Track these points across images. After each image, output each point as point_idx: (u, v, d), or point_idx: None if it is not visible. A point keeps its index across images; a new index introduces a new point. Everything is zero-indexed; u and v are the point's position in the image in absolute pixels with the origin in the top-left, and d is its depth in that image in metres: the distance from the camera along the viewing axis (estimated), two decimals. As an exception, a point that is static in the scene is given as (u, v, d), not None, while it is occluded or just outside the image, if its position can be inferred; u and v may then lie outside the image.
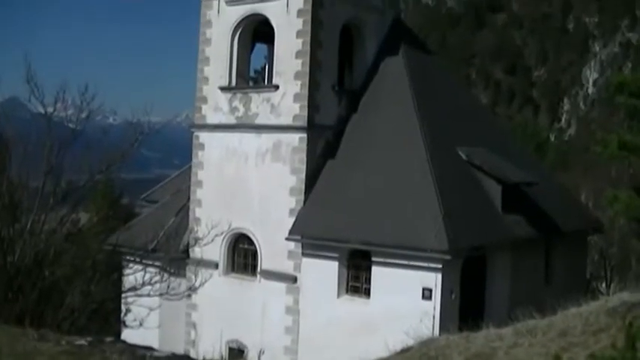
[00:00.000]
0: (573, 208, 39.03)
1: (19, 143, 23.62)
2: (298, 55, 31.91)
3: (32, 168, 23.56)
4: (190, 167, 35.95)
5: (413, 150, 30.62)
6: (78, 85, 23.79)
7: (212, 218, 32.07)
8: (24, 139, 23.87)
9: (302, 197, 31.44)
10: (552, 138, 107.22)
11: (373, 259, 29.14)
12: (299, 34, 31.99)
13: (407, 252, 27.98)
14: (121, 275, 30.52)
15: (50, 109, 23.45)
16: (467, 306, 28.59)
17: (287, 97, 32.08)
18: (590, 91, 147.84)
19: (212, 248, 31.26)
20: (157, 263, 30.17)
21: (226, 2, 34.28)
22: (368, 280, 29.68)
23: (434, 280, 27.69)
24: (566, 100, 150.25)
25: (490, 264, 30.69)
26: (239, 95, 33.78)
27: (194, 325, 34.72)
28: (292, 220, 31.29)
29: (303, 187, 31.46)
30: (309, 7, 31.80)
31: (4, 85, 23.30)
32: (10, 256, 21.74)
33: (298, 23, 32.06)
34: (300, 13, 32.05)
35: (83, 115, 23.67)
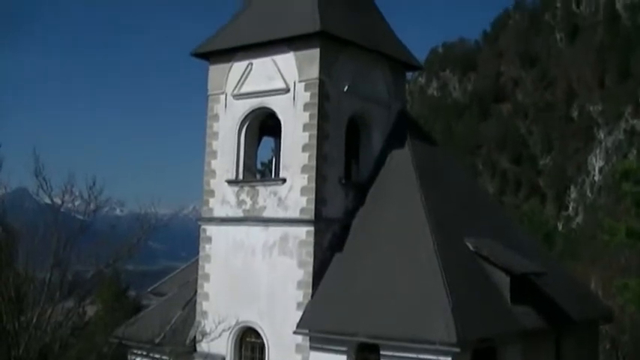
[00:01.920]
0: (583, 297, 38.69)
1: (26, 235, 23.72)
2: (305, 148, 32.08)
3: (39, 260, 23.62)
4: (197, 260, 35.88)
5: (420, 242, 30.53)
6: (86, 178, 23.96)
7: (219, 312, 31.97)
8: (31, 231, 23.98)
9: (310, 290, 31.24)
10: (560, 226, 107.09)
11: (382, 352, 28.81)
12: (305, 127, 32.21)
13: (416, 345, 27.64)
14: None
15: (58, 202, 23.59)
16: (476, 400, 28.25)
17: (294, 190, 32.16)
18: (596, 178, 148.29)
19: (219, 342, 31.09)
20: (164, 357, 30.04)
21: (233, 96, 34.63)
22: (379, 373, 29.36)
23: (443, 372, 27.40)
24: (572, 188, 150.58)
25: (500, 356, 30.34)
26: (246, 188, 33.87)
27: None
28: (300, 313, 31.04)
29: (311, 280, 31.27)
30: (316, 100, 32.08)
31: (12, 176, 23.42)
32: (14, 350, 21.67)
33: (305, 117, 32.31)
34: (306, 106, 32.33)
35: (91, 208, 23.78)
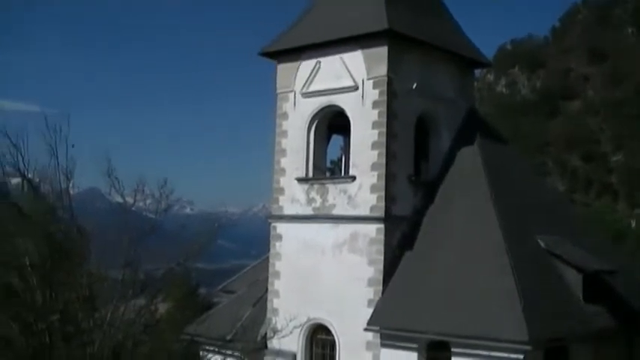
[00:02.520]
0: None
1: (98, 234, 24.03)
2: (374, 146, 32.05)
3: (111, 259, 23.93)
4: (267, 258, 36.05)
5: (490, 240, 30.33)
6: (157, 178, 24.23)
7: (290, 309, 32.10)
8: (103, 231, 24.30)
9: (380, 288, 31.21)
10: (633, 224, 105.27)
11: (452, 349, 28.67)
12: (374, 125, 32.16)
13: (487, 343, 27.48)
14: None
15: (130, 201, 23.87)
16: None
17: (364, 188, 32.15)
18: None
19: (290, 339, 31.22)
20: (235, 354, 30.20)
21: (302, 95, 34.71)
22: (447, 372, 29.22)
23: (515, 371, 27.16)
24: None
25: (572, 355, 29.97)
26: (316, 186, 33.96)
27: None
28: (370, 310, 31.01)
29: (381, 277, 31.25)
30: (384, 98, 32.04)
31: (84, 176, 23.76)
32: (89, 347, 21.95)
33: (373, 114, 32.27)
34: (375, 104, 32.29)
35: (162, 207, 24.03)
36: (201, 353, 31.38)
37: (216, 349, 30.15)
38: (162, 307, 28.13)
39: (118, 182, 23.54)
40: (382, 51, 32.38)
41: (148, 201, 25.01)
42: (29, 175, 22.22)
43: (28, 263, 21.57)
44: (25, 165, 21.93)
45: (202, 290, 49.13)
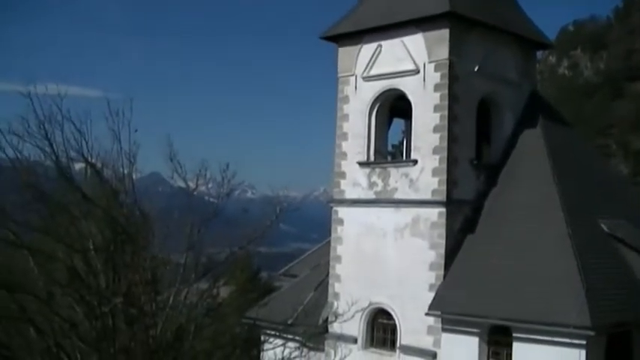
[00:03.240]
0: None
1: (161, 218, 24.17)
2: (436, 129, 31.86)
3: (173, 243, 24.06)
4: (329, 242, 36.08)
5: (553, 224, 29.99)
6: (219, 162, 24.25)
7: (351, 293, 32.09)
8: (165, 215, 24.44)
9: (442, 272, 31.09)
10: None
11: (514, 334, 28.48)
12: (436, 108, 31.97)
13: (549, 328, 27.21)
14: (259, 350, 30.66)
15: (192, 185, 23.94)
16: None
17: (425, 171, 31.99)
18: None
19: (351, 323, 31.19)
20: (297, 338, 30.24)
21: (363, 78, 34.62)
22: (509, 357, 28.96)
23: (578, 356, 26.77)
24: None
25: (635, 341, 29.57)
26: (377, 170, 33.86)
27: (334, 401, 34.47)
28: (432, 295, 30.92)
29: (443, 262, 31.13)
30: (446, 81, 31.83)
31: (146, 161, 23.90)
32: (152, 330, 22.09)
33: (435, 98, 32.08)
34: (436, 87, 32.09)
35: (224, 191, 24.07)
36: (262, 337, 31.45)
37: (278, 333, 30.19)
38: (225, 291, 28.25)
39: (181, 166, 23.61)
40: (443, 33, 32.16)
41: (210, 185, 25.08)
42: (93, 160, 22.36)
43: (92, 247, 21.74)
44: (88, 150, 22.07)
45: (264, 274, 49.35)
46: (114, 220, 21.92)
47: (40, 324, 21.43)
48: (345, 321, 29.60)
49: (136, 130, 22.36)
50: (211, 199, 25.28)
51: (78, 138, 21.84)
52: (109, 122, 22.07)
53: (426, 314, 30.79)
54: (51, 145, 21.67)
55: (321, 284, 35.75)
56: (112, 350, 21.56)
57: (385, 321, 33.36)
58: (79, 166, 23.26)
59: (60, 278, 21.99)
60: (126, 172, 22.99)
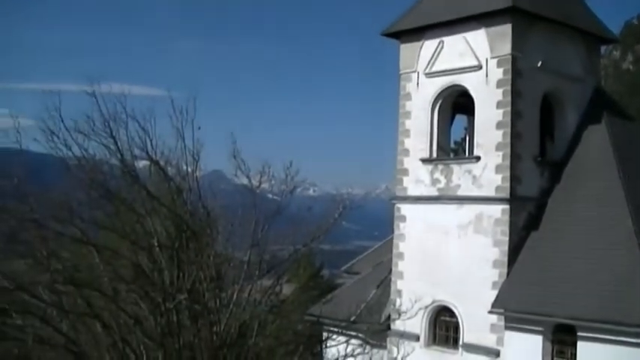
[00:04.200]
0: None
1: (224, 216, 24.34)
2: (499, 125, 31.60)
3: (237, 240, 24.21)
4: (391, 239, 36.00)
5: (619, 221, 29.55)
6: (282, 159, 24.37)
7: (414, 290, 32.04)
8: (229, 212, 24.59)
9: (505, 270, 30.83)
10: None
11: (579, 334, 28.15)
12: (499, 104, 31.71)
13: (614, 327, 26.83)
14: (321, 347, 30.71)
15: (255, 183, 24.07)
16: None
17: (488, 168, 31.75)
18: None
19: (413, 320, 31.08)
20: (360, 335, 30.25)
21: (425, 75, 34.47)
22: (574, 356, 28.64)
23: (645, 356, 26.50)
24: None
25: None
26: (440, 167, 33.70)
27: (396, 399, 34.39)
28: (495, 292, 30.68)
29: (506, 259, 30.86)
30: (509, 77, 31.55)
31: (209, 158, 24.03)
32: (216, 326, 22.24)
33: (498, 94, 31.82)
34: (499, 83, 31.82)
35: (287, 189, 24.18)
36: (324, 334, 31.52)
37: (340, 331, 30.21)
38: (287, 289, 28.28)
39: (244, 164, 23.76)
40: (506, 29, 31.88)
41: (272, 182, 25.20)
42: (157, 158, 22.59)
43: (156, 244, 21.96)
44: (153, 148, 22.32)
45: (326, 271, 49.43)
46: (178, 218, 22.13)
47: (106, 320, 21.71)
48: (407, 318, 29.55)
49: (199, 128, 22.57)
50: (273, 197, 25.42)
51: (142, 136, 22.14)
52: (173, 120, 22.30)
53: (489, 312, 30.56)
54: (116, 143, 21.98)
55: (384, 282, 35.69)
56: (176, 346, 21.76)
57: (448, 318, 33.20)
58: (142, 163, 23.53)
59: (125, 275, 22.25)
60: (189, 169, 23.20)
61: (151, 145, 22.24)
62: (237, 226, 24.03)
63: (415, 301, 29.60)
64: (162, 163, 22.82)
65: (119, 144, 21.95)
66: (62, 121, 21.53)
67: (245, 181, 24.13)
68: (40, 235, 21.69)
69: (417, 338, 33.34)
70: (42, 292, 21.88)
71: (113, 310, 21.84)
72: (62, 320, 22.17)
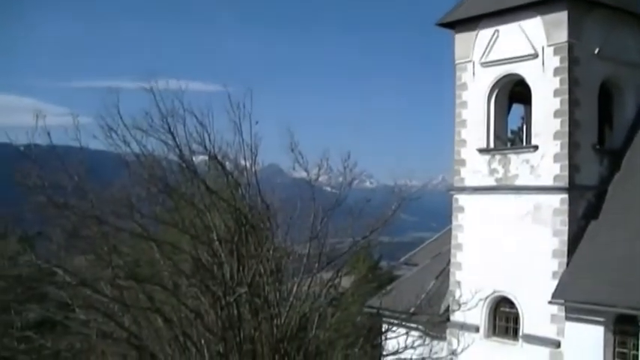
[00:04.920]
0: None
1: (283, 209, 24.42)
2: (556, 114, 31.29)
3: (296, 233, 24.29)
4: (449, 230, 35.87)
5: (681, 209, 29.20)
6: (339, 152, 24.38)
7: (472, 281, 31.87)
8: (286, 205, 24.68)
9: (565, 260, 30.54)
10: None
11: (641, 324, 27.85)
12: (556, 92, 31.39)
13: (678, 316, 26.55)
14: (381, 339, 30.68)
15: (313, 176, 24.10)
16: None
17: (546, 157, 31.45)
18: None
19: (473, 311, 30.88)
20: (420, 327, 30.18)
21: (481, 64, 34.25)
22: (636, 347, 28.27)
23: None
24: None
25: None
26: (497, 157, 33.47)
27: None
28: (555, 283, 30.40)
29: (566, 249, 30.56)
30: (566, 65, 31.21)
31: (266, 153, 24.11)
32: (276, 319, 22.32)
33: (555, 82, 31.49)
34: (556, 71, 31.50)
35: (346, 181, 24.20)
36: (384, 326, 31.49)
37: (399, 322, 30.16)
38: (345, 281, 28.30)
39: (302, 157, 23.80)
40: (562, 16, 31.52)
41: (329, 175, 25.24)
42: (215, 152, 22.72)
43: (216, 238, 22.09)
44: (211, 142, 22.46)
45: (384, 263, 49.38)
46: (237, 212, 22.22)
47: (168, 314, 21.89)
48: (467, 310, 29.41)
49: (257, 122, 22.64)
50: (330, 189, 25.45)
51: (200, 131, 22.26)
52: (230, 115, 22.39)
53: (549, 303, 30.28)
54: (174, 138, 22.12)
55: (442, 273, 35.60)
56: (237, 340, 21.87)
57: (507, 309, 32.98)
58: (200, 158, 23.70)
59: (185, 269, 22.42)
60: (247, 163, 23.30)
61: (209, 139, 22.40)
62: (295, 220, 24.11)
63: (475, 292, 29.45)
64: (220, 157, 22.95)
65: (177, 139, 22.12)
66: (121, 118, 21.82)
67: (303, 174, 24.18)
68: (100, 231, 21.94)
69: (476, 329, 33.17)
70: (104, 288, 22.14)
71: (174, 304, 22.02)
72: (124, 315, 22.43)
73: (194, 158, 23.27)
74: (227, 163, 23.36)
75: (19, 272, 22.57)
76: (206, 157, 23.77)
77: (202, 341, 22.03)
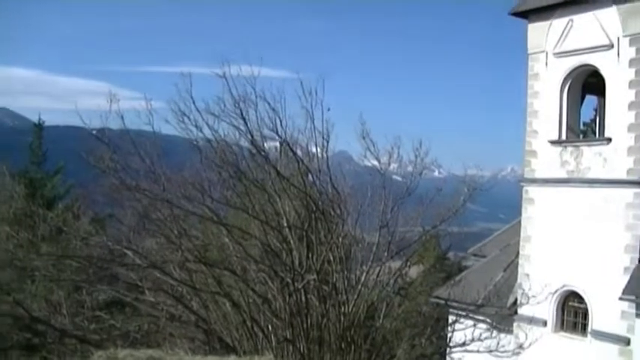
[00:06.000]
0: None
1: (353, 196, 24.39)
2: (631, 106, 30.64)
3: (366, 221, 24.26)
4: (518, 222, 35.44)
5: None
6: (412, 140, 24.27)
7: (541, 274, 31.46)
8: (356, 193, 24.65)
9: (637, 255, 29.86)
10: None
11: None
12: (631, 84, 30.74)
13: None
14: (446, 330, 30.51)
15: (385, 164, 24.03)
16: None
17: (620, 150, 30.83)
18: None
19: (541, 305, 30.57)
20: (487, 320, 29.92)
21: (554, 54, 33.73)
22: None
23: None
24: None
25: None
26: (570, 149, 32.93)
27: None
28: (626, 279, 29.78)
29: (638, 244, 29.93)
30: (642, 55, 30.64)
31: (337, 140, 24.10)
32: (344, 306, 22.32)
33: (630, 73, 30.84)
34: (631, 62, 30.85)
35: (417, 170, 24.08)
36: (450, 317, 31.31)
37: (466, 314, 29.98)
38: (414, 271, 28.23)
39: (373, 145, 23.75)
40: (638, 6, 30.87)
41: (400, 164, 25.18)
42: (286, 138, 22.77)
43: (286, 224, 22.12)
44: (282, 128, 22.52)
45: (451, 254, 49.13)
46: (308, 198, 22.22)
47: (236, 299, 22.01)
48: (536, 303, 29.08)
49: (329, 109, 22.63)
50: (399, 178, 25.35)
51: (272, 117, 22.30)
52: (302, 101, 22.40)
53: (620, 299, 29.74)
54: (246, 123, 22.19)
55: (511, 265, 35.20)
56: (304, 326, 21.91)
57: (576, 304, 32.46)
58: (273, 144, 23.76)
59: (254, 254, 22.49)
60: (319, 150, 23.30)
61: (281, 125, 22.45)
62: (366, 207, 24.07)
63: (545, 286, 29.10)
64: (292, 143, 22.99)
65: (249, 125, 22.18)
66: (193, 102, 21.97)
67: (374, 162, 24.14)
68: (171, 215, 22.11)
69: (544, 324, 32.71)
70: (173, 271, 22.31)
71: (242, 289, 22.15)
72: (192, 298, 22.63)
73: (265, 144, 23.32)
74: (299, 148, 23.39)
75: (91, 253, 22.82)
76: (276, 144, 23.81)
77: (269, 327, 22.12)
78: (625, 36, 31.08)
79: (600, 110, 35.04)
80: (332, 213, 23.00)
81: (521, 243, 34.40)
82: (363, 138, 23.66)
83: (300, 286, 21.54)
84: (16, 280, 28.02)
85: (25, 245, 23.22)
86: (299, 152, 23.59)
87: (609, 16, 31.66)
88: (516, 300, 32.83)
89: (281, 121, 22.36)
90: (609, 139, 31.30)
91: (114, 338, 22.38)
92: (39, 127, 44.36)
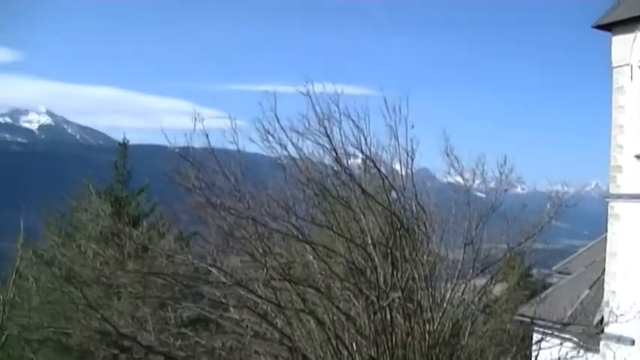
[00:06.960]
0: None
1: (437, 213, 24.31)
2: None
3: (450, 238, 24.16)
4: (604, 238, 34.88)
5: None
6: (496, 156, 24.13)
7: (629, 292, 30.91)
8: (440, 210, 24.56)
9: None
10: None
11: None
12: None
13: None
14: (531, 349, 30.18)
15: (469, 182, 23.93)
16: None
17: None
18: None
19: (629, 323, 29.99)
20: (574, 338, 29.50)
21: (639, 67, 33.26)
22: None
23: None
24: None
25: None
26: (658, 163, 32.38)
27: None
28: None
29: None
30: None
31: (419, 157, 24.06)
32: (429, 324, 22.19)
33: None
34: None
35: (502, 187, 23.92)
36: (535, 336, 30.91)
37: (551, 332, 29.56)
38: (498, 288, 28.00)
39: (458, 161, 23.67)
40: None
41: (481, 180, 25.02)
42: (370, 155, 22.78)
43: (370, 241, 22.10)
44: (367, 145, 22.56)
45: (535, 271, 48.68)
46: (393, 215, 22.19)
47: (320, 316, 22.00)
48: (626, 322, 28.52)
49: (413, 126, 22.60)
50: (483, 195, 25.20)
51: (356, 134, 22.34)
52: (386, 119, 22.42)
53: None
54: (330, 141, 22.25)
55: (597, 282, 34.64)
56: (389, 344, 21.83)
57: (666, 323, 31.83)
58: (357, 161, 23.81)
59: (338, 272, 22.50)
60: (403, 167, 23.27)
61: (365, 142, 22.49)
62: (450, 224, 23.96)
63: (633, 304, 28.55)
64: (376, 160, 23.02)
65: (333, 142, 22.25)
66: (278, 120, 22.09)
67: (458, 178, 24.04)
68: (256, 232, 22.20)
69: (632, 342, 32.04)
70: (257, 288, 22.40)
71: (327, 306, 22.13)
72: (277, 316, 22.67)
73: (348, 161, 23.36)
74: (383, 165, 23.42)
75: (176, 270, 23.05)
76: (359, 161, 23.84)
77: (354, 345, 22.08)
78: None
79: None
80: (416, 230, 22.92)
81: (607, 260, 33.83)
82: (447, 155, 23.61)
83: (384, 304, 21.46)
84: (103, 297, 28.44)
85: (112, 263, 23.49)
86: (383, 169, 23.57)
87: (695, 27, 31.20)
88: (603, 318, 32.25)
89: (365, 139, 22.42)
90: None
91: (199, 355, 22.58)
92: (124, 146, 44.88)
